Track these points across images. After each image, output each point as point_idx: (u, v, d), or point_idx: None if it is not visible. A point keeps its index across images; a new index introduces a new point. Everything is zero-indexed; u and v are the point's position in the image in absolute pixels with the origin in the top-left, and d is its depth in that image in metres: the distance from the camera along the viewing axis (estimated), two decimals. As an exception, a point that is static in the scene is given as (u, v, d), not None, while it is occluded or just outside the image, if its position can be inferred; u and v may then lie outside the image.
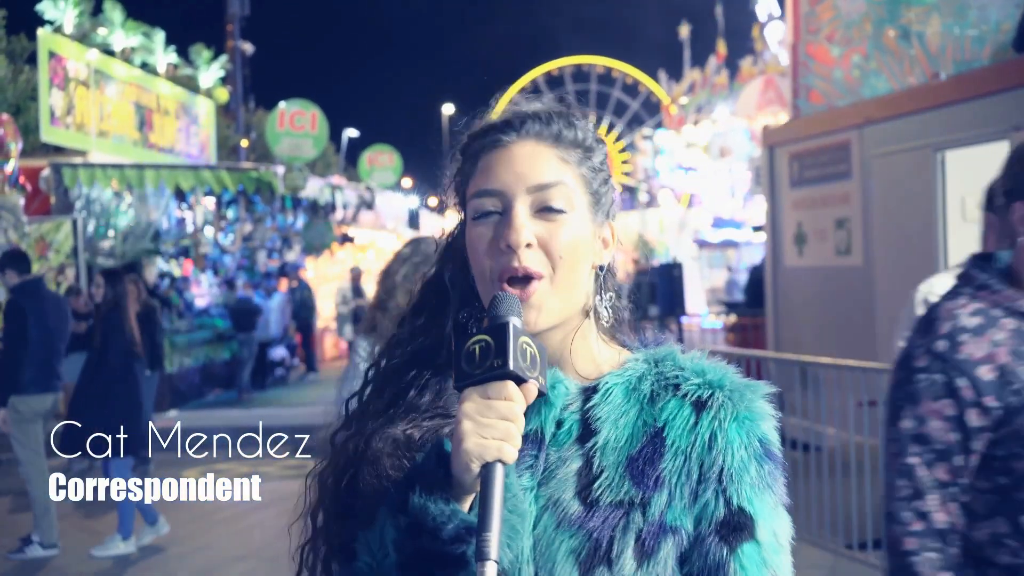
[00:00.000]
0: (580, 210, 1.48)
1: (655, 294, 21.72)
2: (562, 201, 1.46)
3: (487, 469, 1.27)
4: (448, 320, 1.56)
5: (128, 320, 8.15)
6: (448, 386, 1.49)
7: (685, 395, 1.43)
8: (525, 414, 1.37)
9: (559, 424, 1.45)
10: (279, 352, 19.45)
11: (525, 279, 1.43)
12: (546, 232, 1.44)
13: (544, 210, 1.45)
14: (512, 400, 1.30)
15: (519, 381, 1.31)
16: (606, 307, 1.53)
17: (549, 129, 1.50)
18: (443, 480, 1.31)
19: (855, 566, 6.84)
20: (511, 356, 1.29)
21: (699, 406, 1.42)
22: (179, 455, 10.80)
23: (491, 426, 1.28)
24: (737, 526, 1.38)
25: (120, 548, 7.96)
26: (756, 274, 16.13)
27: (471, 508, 1.31)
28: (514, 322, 1.33)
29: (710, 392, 1.43)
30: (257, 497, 10.36)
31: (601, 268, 1.53)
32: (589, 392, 1.47)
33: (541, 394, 1.34)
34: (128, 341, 8.11)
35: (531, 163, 1.47)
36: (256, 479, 11.16)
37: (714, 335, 20.73)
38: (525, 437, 1.41)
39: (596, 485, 1.40)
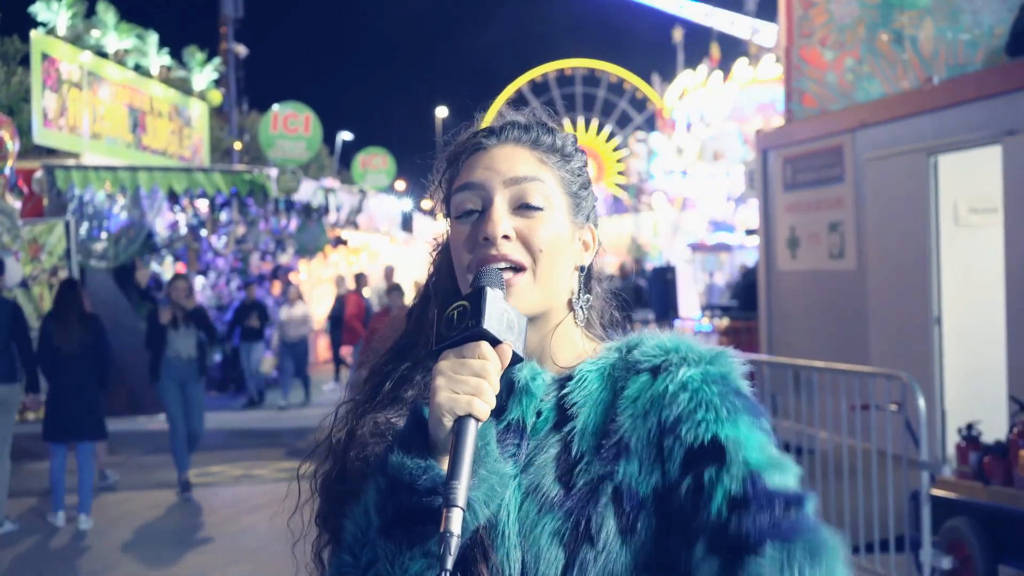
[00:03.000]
0: (559, 209, 1.52)
1: (643, 297, 21.74)
2: (539, 198, 1.50)
3: (459, 423, 1.31)
4: (428, 313, 1.61)
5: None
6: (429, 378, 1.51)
7: (644, 367, 1.44)
8: (507, 404, 1.45)
9: (539, 413, 1.49)
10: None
11: (507, 269, 1.46)
12: (525, 226, 1.49)
13: (522, 207, 1.50)
14: (486, 358, 1.34)
15: (494, 343, 1.35)
16: (582, 307, 1.57)
17: (528, 135, 1.56)
18: (420, 440, 1.36)
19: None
20: (485, 316, 1.34)
21: (654, 371, 1.43)
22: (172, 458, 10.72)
23: (463, 381, 1.32)
24: (699, 455, 1.34)
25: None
26: (749, 277, 16.13)
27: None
28: (493, 290, 1.38)
29: (664, 356, 1.44)
30: (250, 499, 10.39)
31: (581, 269, 1.57)
32: (564, 380, 1.50)
33: (518, 359, 1.38)
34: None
35: (509, 161, 1.53)
36: (249, 482, 11.20)
37: (707, 339, 20.72)
38: (507, 427, 1.47)
39: (576, 470, 1.42)
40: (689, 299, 23.12)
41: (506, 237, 1.47)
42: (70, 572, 7.75)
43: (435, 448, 1.35)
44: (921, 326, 8.53)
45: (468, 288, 1.46)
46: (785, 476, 1.33)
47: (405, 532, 1.35)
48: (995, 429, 7.12)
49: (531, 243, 1.48)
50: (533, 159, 1.54)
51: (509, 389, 1.48)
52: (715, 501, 1.31)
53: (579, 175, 1.58)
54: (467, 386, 1.32)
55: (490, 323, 1.34)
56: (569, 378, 1.49)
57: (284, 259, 19.56)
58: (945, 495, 6.48)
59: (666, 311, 21.01)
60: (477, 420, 1.32)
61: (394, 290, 12.41)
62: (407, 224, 32.34)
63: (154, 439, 12.73)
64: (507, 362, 1.36)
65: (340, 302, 19.23)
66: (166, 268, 18.36)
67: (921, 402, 6.44)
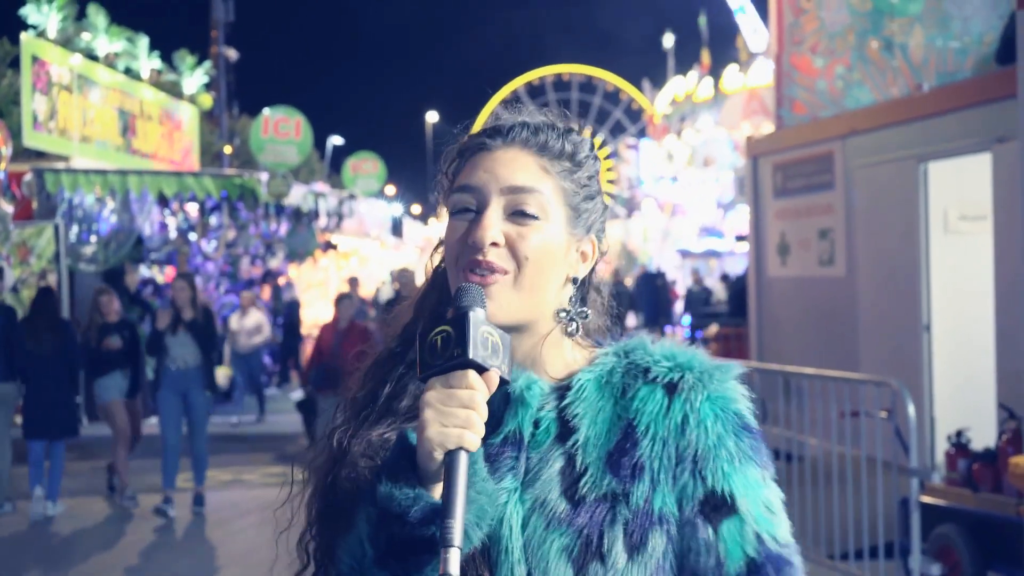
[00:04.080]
0: (555, 220, 1.50)
1: (633, 304, 21.80)
2: (535, 208, 1.48)
3: (450, 457, 1.30)
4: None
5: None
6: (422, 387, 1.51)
7: (655, 379, 1.45)
8: (503, 416, 1.43)
9: (536, 424, 1.47)
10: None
11: (488, 271, 1.45)
12: (515, 233, 1.47)
13: (517, 213, 1.48)
14: (473, 388, 1.32)
15: (481, 370, 1.33)
16: (573, 319, 1.54)
17: (536, 138, 1.52)
18: (408, 469, 1.34)
19: (837, 576, 6.85)
20: (470, 345, 1.32)
21: (670, 389, 1.44)
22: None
23: (452, 414, 1.31)
24: (717, 504, 1.40)
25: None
26: (739, 284, 16.16)
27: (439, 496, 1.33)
28: (476, 312, 1.36)
29: (680, 375, 1.44)
30: (240, 504, 10.37)
31: (575, 280, 1.54)
32: (563, 390, 1.49)
33: (504, 382, 1.36)
34: None
35: (510, 167, 1.50)
36: (238, 486, 11.18)
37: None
38: (504, 439, 1.45)
39: (582, 483, 1.41)
40: (679, 305, 23.17)
41: (495, 244, 1.45)
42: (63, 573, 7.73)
43: (425, 477, 1.33)
44: (911, 333, 8.54)
45: (452, 298, 1.45)
46: (783, 531, 1.44)
47: (400, 563, 1.35)
48: (984, 436, 7.13)
49: (518, 250, 1.46)
50: (535, 166, 1.50)
51: (504, 400, 1.46)
52: (733, 559, 1.39)
53: (585, 185, 1.54)
54: (456, 418, 1.30)
55: (475, 351, 1.32)
56: (567, 388, 1.48)
57: (274, 263, 19.51)
58: (934, 502, 6.49)
59: (656, 317, 21.07)
60: (468, 452, 1.31)
61: (344, 299, 11.55)
62: (397, 229, 32.33)
63: (144, 442, 12.68)
64: (494, 388, 1.35)
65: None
66: (156, 272, 18.31)
67: (911, 409, 6.45)
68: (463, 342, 1.32)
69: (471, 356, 1.32)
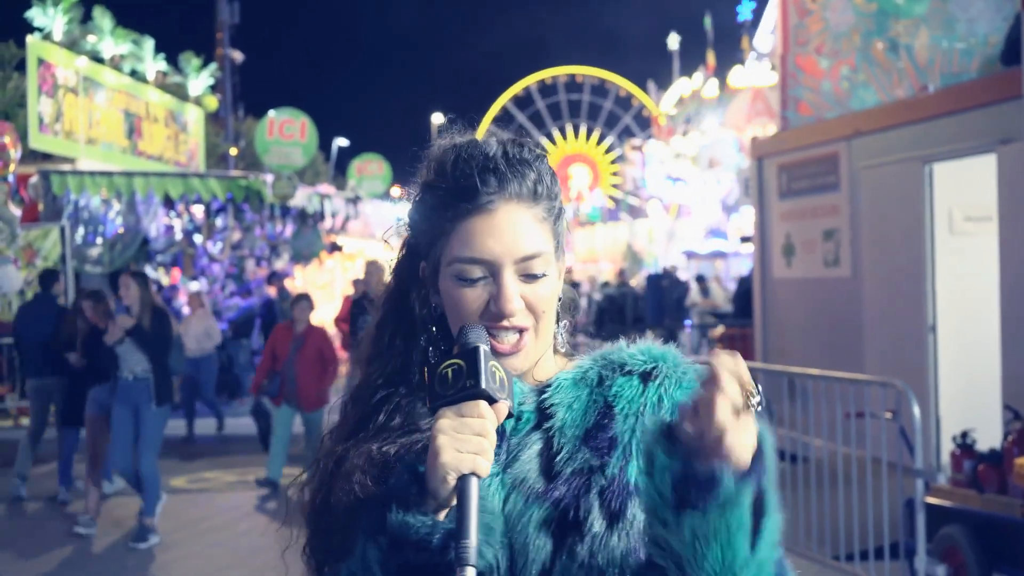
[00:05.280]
0: (554, 266, 1.56)
1: (639, 306, 21.77)
2: (543, 267, 1.53)
3: (463, 481, 1.34)
4: (414, 343, 1.62)
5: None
6: (418, 407, 1.56)
7: (631, 371, 1.54)
8: (512, 415, 1.46)
9: (518, 418, 1.54)
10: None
11: (513, 331, 1.52)
12: (531, 293, 1.52)
13: (528, 276, 1.53)
14: (485, 418, 1.37)
15: (490, 401, 1.39)
16: (561, 333, 1.65)
17: (526, 185, 1.53)
18: (418, 497, 1.38)
19: (842, 577, 6.85)
20: (483, 377, 1.38)
21: (645, 377, 1.53)
22: (168, 462, 10.72)
23: (466, 441, 1.35)
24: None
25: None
26: (744, 285, 16.16)
27: (447, 520, 1.37)
28: (484, 347, 1.42)
29: (654, 364, 1.54)
30: (245, 505, 10.35)
31: (559, 299, 1.61)
32: (543, 389, 1.57)
33: (510, 415, 1.42)
34: None
35: (516, 233, 1.52)
36: (243, 487, 11.16)
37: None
38: None
39: (558, 459, 1.48)
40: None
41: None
42: (63, 575, 7.74)
43: (432, 503, 1.37)
44: (916, 334, 8.54)
45: (457, 335, 1.49)
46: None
47: None
48: (989, 437, 7.12)
49: (535, 307, 1.53)
50: (534, 221, 1.53)
51: None
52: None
53: (559, 211, 1.59)
54: (470, 445, 1.35)
55: (488, 383, 1.38)
56: (547, 386, 1.56)
57: (279, 265, 19.53)
58: (939, 503, 6.48)
59: (661, 318, 21.05)
60: (479, 477, 1.35)
61: (301, 300, 10.71)
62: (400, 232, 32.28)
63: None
64: (503, 419, 1.40)
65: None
66: (161, 274, 18.34)
67: (916, 410, 6.45)
68: (475, 374, 1.38)
69: (484, 387, 1.37)
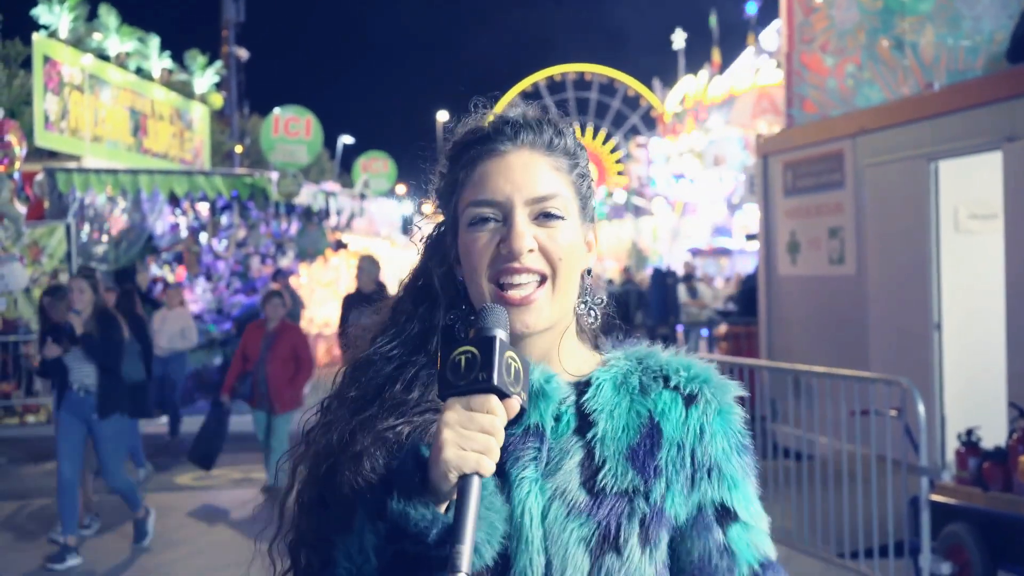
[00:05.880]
0: (573, 216, 1.52)
1: (643, 303, 21.74)
2: (560, 208, 1.50)
3: (464, 481, 1.29)
4: (436, 313, 1.59)
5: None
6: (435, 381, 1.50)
7: (676, 387, 1.52)
8: (525, 409, 1.40)
9: (557, 418, 1.50)
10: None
11: (525, 285, 1.47)
12: (546, 236, 1.49)
13: (543, 215, 1.49)
14: (494, 414, 1.32)
15: (502, 396, 1.33)
16: (593, 308, 1.59)
17: (541, 138, 1.53)
18: (420, 486, 1.33)
19: (846, 575, 6.85)
20: (496, 371, 1.31)
21: (689, 400, 1.51)
22: (173, 460, 10.71)
23: (471, 438, 1.30)
24: (725, 511, 1.48)
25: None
26: (749, 283, 16.14)
27: (447, 512, 1.34)
28: (500, 335, 1.35)
29: (698, 387, 1.52)
30: (250, 502, 10.32)
31: (588, 272, 1.58)
32: (582, 387, 1.52)
33: (522, 410, 1.37)
34: None
35: (528, 174, 1.50)
36: (248, 485, 11.15)
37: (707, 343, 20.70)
38: (526, 431, 1.47)
39: (600, 475, 1.46)
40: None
41: (530, 251, 1.47)
42: (63, 574, 7.75)
43: (436, 494, 1.33)
44: (921, 332, 8.53)
45: (477, 300, 1.48)
46: (764, 539, 1.51)
47: None
48: (995, 435, 7.12)
49: (551, 253, 1.48)
50: (549, 168, 1.52)
51: None
52: (744, 561, 1.48)
53: (585, 175, 1.57)
54: (476, 443, 1.30)
55: (500, 378, 1.31)
56: (586, 384, 1.52)
57: (284, 263, 19.55)
58: (944, 501, 6.48)
59: (666, 316, 21.03)
60: (481, 477, 1.31)
61: (273, 298, 10.15)
62: (407, 228, 32.35)
63: (150, 442, 12.71)
64: (513, 416, 1.35)
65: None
66: (167, 271, 18.35)
67: (921, 408, 6.45)
68: (489, 366, 1.32)
69: (496, 383, 1.31)
